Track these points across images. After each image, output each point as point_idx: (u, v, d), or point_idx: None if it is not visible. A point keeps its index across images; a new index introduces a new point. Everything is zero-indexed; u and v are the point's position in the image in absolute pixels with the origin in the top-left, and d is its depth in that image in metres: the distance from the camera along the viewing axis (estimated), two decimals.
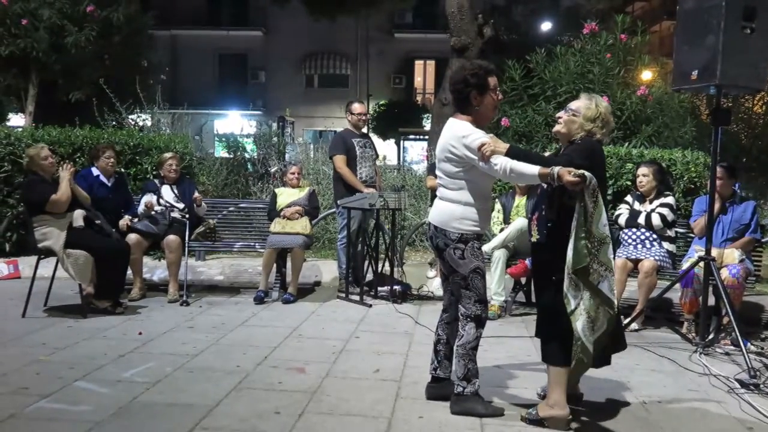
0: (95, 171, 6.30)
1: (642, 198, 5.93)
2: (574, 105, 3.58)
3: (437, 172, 3.74)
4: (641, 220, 5.78)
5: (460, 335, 3.64)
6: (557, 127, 3.62)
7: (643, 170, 5.94)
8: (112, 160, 6.40)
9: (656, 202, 5.82)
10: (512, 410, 3.64)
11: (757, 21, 4.57)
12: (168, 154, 6.76)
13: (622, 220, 5.91)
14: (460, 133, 3.55)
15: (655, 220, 5.73)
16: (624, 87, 8.39)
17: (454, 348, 3.70)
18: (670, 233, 5.84)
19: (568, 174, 3.21)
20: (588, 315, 3.32)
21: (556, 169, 3.27)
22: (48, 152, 5.73)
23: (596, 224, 3.29)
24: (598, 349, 3.36)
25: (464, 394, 3.59)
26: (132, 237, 6.17)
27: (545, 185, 3.51)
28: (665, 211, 5.74)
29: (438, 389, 3.80)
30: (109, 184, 6.34)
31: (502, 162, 3.41)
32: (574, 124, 3.53)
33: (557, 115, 3.68)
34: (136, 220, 6.34)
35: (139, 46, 14.66)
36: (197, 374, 4.15)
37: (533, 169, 3.37)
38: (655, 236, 5.74)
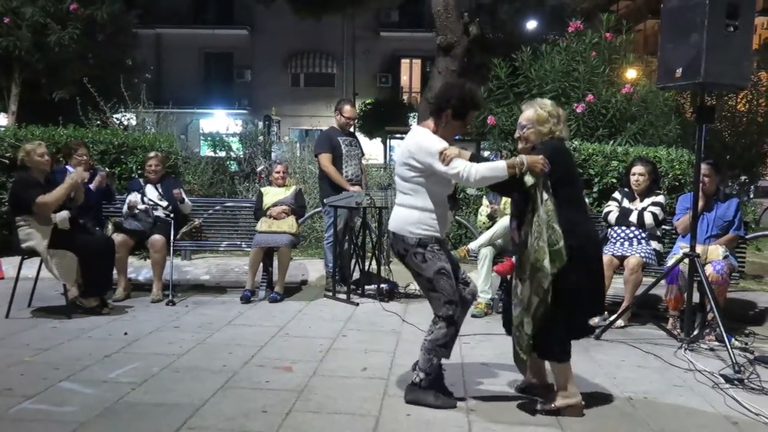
0: (70, 168, 6.27)
1: (632, 196, 5.94)
2: (523, 120, 3.66)
3: (395, 179, 3.76)
4: (633, 218, 5.79)
5: (430, 331, 3.66)
6: (521, 146, 3.69)
7: (639, 169, 5.87)
8: (84, 157, 6.41)
9: (647, 201, 5.83)
10: (500, 407, 3.66)
11: (740, 19, 4.59)
12: (151, 154, 6.78)
13: (611, 218, 5.89)
14: (419, 137, 3.60)
15: (648, 218, 5.74)
16: (609, 85, 8.42)
17: (423, 340, 3.70)
18: (659, 232, 5.87)
19: (537, 158, 3.33)
20: (521, 300, 3.43)
21: (524, 156, 3.36)
22: (45, 150, 5.65)
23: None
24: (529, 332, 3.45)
25: (420, 385, 3.63)
26: (118, 236, 6.14)
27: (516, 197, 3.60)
28: (657, 210, 5.76)
29: None
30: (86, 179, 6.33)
31: (465, 164, 3.43)
32: (533, 135, 3.60)
33: (515, 136, 3.75)
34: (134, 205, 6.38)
35: (124, 44, 14.56)
36: (183, 374, 4.13)
37: (500, 164, 3.42)
38: (644, 234, 5.76)
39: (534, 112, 3.60)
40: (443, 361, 3.75)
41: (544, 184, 3.38)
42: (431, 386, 3.64)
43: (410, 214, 3.62)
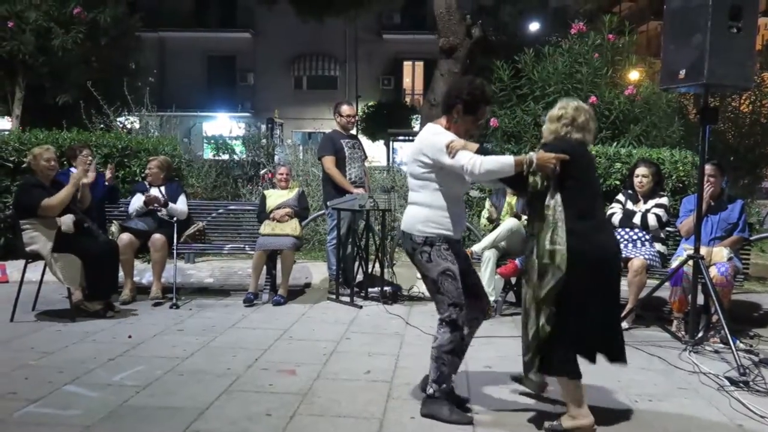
0: (74, 170, 6.28)
1: (635, 197, 5.93)
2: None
3: (408, 177, 3.72)
4: (637, 220, 5.79)
5: (435, 338, 3.58)
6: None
7: (642, 170, 5.88)
8: (89, 158, 6.44)
9: (651, 203, 5.83)
10: (504, 411, 3.65)
11: (743, 20, 4.59)
12: (152, 158, 6.80)
13: (615, 220, 5.88)
14: (431, 132, 3.57)
15: (651, 220, 5.73)
16: (612, 87, 8.42)
17: (430, 349, 3.60)
18: (663, 234, 5.86)
19: (548, 157, 3.24)
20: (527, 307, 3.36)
21: (533, 153, 3.29)
22: (52, 155, 5.64)
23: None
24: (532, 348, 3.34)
25: (434, 396, 3.52)
26: (124, 237, 6.16)
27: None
28: (661, 211, 5.75)
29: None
30: (88, 181, 6.34)
31: (471, 157, 3.36)
32: (546, 130, 3.56)
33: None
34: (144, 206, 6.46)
35: (127, 48, 14.56)
36: (187, 377, 4.13)
37: (508, 159, 3.35)
38: (647, 236, 5.76)
39: (555, 108, 3.53)
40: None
41: (552, 184, 3.31)
42: (446, 397, 3.53)
43: (419, 212, 3.56)
